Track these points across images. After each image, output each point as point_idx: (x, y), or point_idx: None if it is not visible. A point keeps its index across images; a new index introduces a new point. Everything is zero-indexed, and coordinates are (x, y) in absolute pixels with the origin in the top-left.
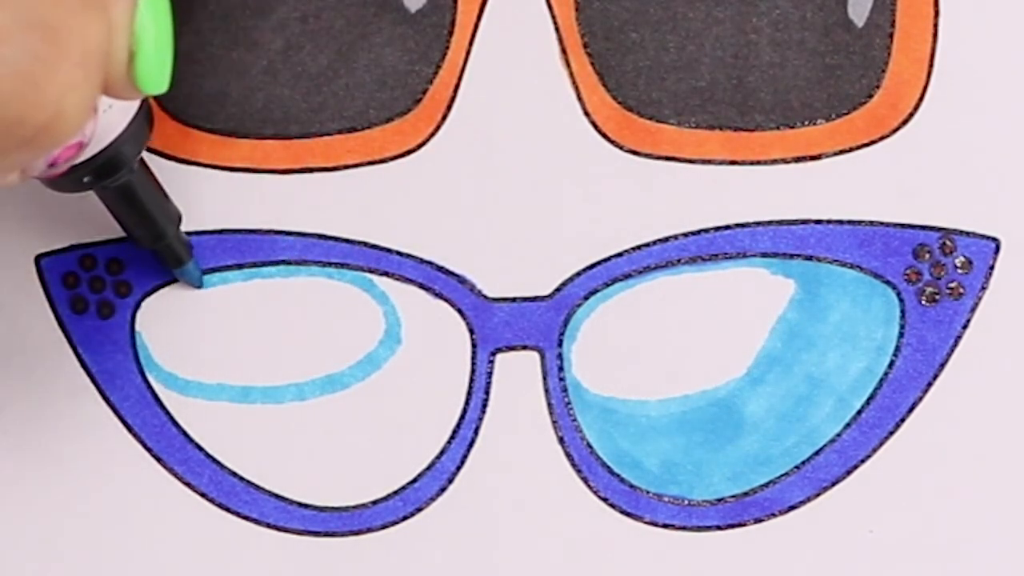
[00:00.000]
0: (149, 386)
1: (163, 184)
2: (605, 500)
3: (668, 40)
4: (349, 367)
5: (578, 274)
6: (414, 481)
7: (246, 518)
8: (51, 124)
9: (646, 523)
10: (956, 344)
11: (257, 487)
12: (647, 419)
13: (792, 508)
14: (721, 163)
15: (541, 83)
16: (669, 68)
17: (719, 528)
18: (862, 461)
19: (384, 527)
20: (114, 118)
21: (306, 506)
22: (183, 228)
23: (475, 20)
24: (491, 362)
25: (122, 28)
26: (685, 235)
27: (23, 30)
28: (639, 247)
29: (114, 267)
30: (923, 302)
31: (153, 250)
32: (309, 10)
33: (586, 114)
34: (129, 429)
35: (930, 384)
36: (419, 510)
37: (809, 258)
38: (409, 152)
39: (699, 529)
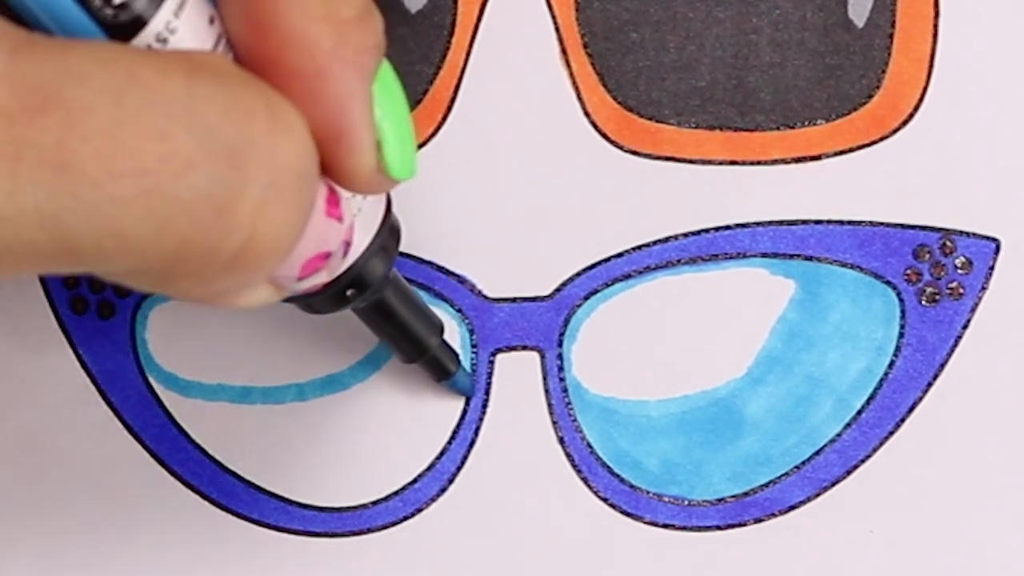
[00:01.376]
0: (149, 386)
1: None
2: (605, 500)
3: (668, 40)
4: (349, 367)
5: (578, 274)
6: (414, 481)
7: (246, 518)
8: (247, 248)
9: (646, 523)
10: (956, 344)
11: (257, 487)
12: (647, 419)
13: (792, 508)
14: (721, 163)
15: (541, 83)
16: (669, 68)
17: (719, 528)
18: (862, 461)
19: (384, 527)
20: (360, 237)
21: (306, 506)
22: None
23: (475, 20)
24: (491, 362)
25: (362, 127)
26: (685, 235)
27: (208, 157)
28: (639, 247)
29: None
30: (923, 302)
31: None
32: None
33: (586, 114)
34: (129, 429)
35: (930, 384)
36: (419, 510)
37: (809, 258)
38: None
39: (699, 529)
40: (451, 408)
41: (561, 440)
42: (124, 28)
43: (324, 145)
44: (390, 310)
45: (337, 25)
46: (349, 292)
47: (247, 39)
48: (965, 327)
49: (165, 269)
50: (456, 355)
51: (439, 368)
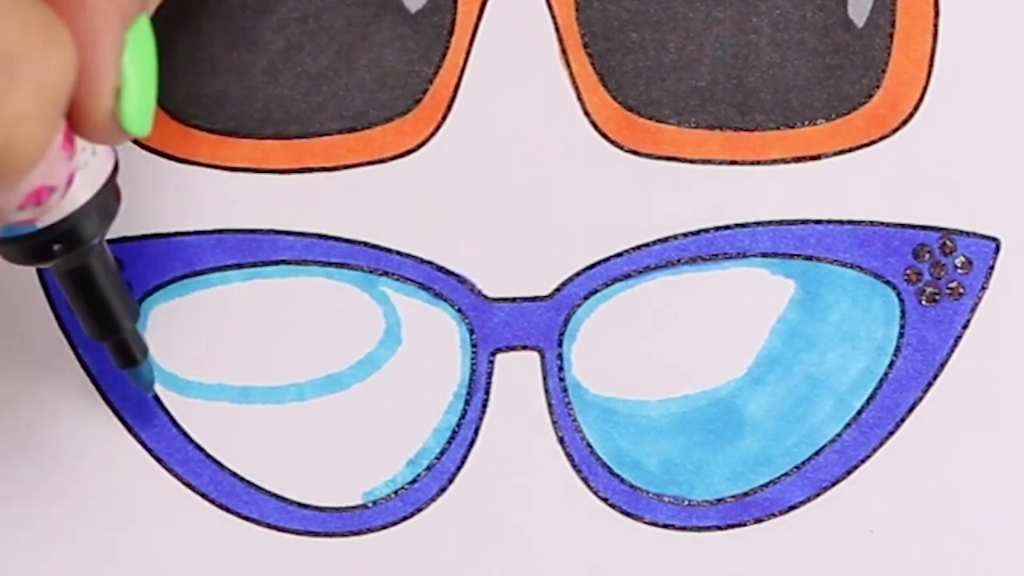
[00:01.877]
0: None
1: (161, 184)
2: (605, 500)
3: (668, 40)
4: (349, 367)
5: (578, 274)
6: (414, 481)
7: (246, 518)
8: (2, 155)
9: (646, 523)
10: (956, 344)
11: (257, 487)
12: (647, 419)
13: (792, 508)
14: (721, 163)
15: (541, 83)
16: (669, 68)
17: (719, 528)
18: (862, 461)
19: (384, 527)
20: (81, 188)
21: (306, 506)
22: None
23: (475, 20)
24: (491, 362)
25: (108, 67)
26: (685, 235)
27: None
28: (639, 247)
29: None
30: (923, 302)
31: (105, 345)
32: (309, 10)
33: (586, 114)
34: (129, 429)
35: (930, 384)
36: (419, 510)
37: (809, 258)
38: (409, 152)
39: (699, 529)
40: (451, 408)
41: (561, 440)
42: None
43: None
44: (92, 279)
45: None
46: (56, 247)
47: None
48: (965, 327)
49: None
50: (145, 347)
51: (126, 354)
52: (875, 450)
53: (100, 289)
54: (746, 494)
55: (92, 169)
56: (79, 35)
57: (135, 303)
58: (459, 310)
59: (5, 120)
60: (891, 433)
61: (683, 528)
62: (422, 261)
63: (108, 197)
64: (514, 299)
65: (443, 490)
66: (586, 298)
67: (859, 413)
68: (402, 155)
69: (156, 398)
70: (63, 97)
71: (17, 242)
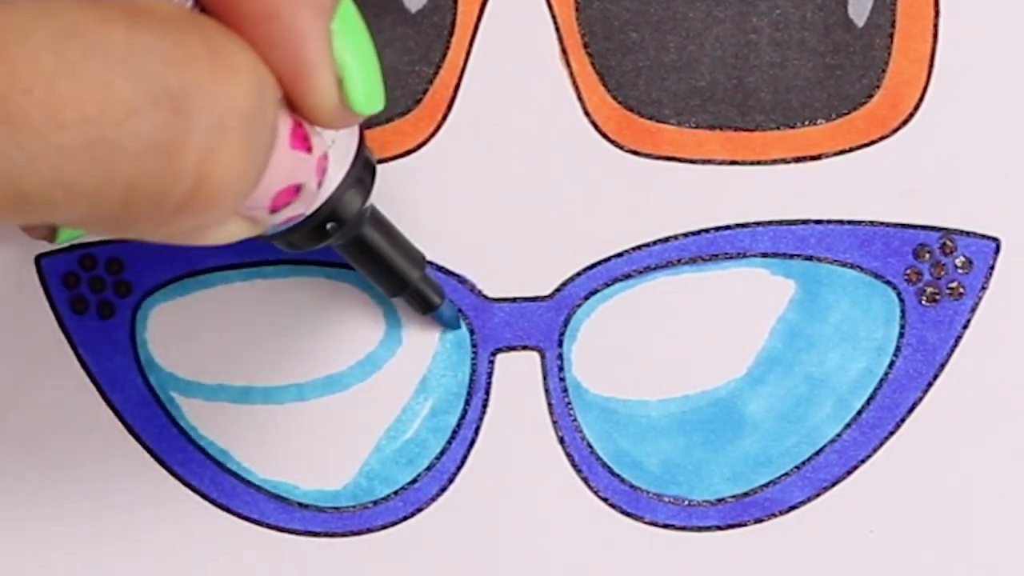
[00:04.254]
0: (149, 386)
1: None
2: (605, 500)
3: (668, 40)
4: (349, 367)
5: (578, 274)
6: (414, 481)
7: (246, 518)
8: (197, 191)
9: (646, 523)
10: (956, 344)
11: (257, 487)
12: (647, 419)
13: (792, 508)
14: (721, 163)
15: (541, 83)
16: (669, 68)
17: (719, 528)
18: (862, 461)
19: (384, 527)
20: (335, 166)
21: (306, 506)
22: None
23: (475, 20)
24: (491, 362)
25: (320, 66)
26: (685, 235)
27: (150, 103)
28: (639, 247)
29: (114, 267)
30: (923, 302)
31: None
32: None
33: (586, 114)
34: (129, 429)
35: (930, 384)
36: (419, 510)
37: (809, 258)
38: (409, 152)
39: (699, 529)
40: (451, 408)
41: (561, 440)
42: None
43: (285, 84)
44: (370, 245)
45: None
46: (329, 226)
47: None
48: (965, 327)
49: (117, 215)
50: (440, 288)
51: (423, 301)
52: (875, 450)
53: (381, 252)
54: (746, 494)
55: (341, 144)
56: (284, 46)
57: (418, 251)
58: (459, 310)
59: (190, 158)
60: (891, 433)
61: (683, 528)
62: None
63: (364, 163)
64: (514, 299)
65: (443, 490)
66: (586, 298)
67: (859, 413)
68: (402, 155)
69: (156, 398)
70: (252, 120)
71: (292, 232)
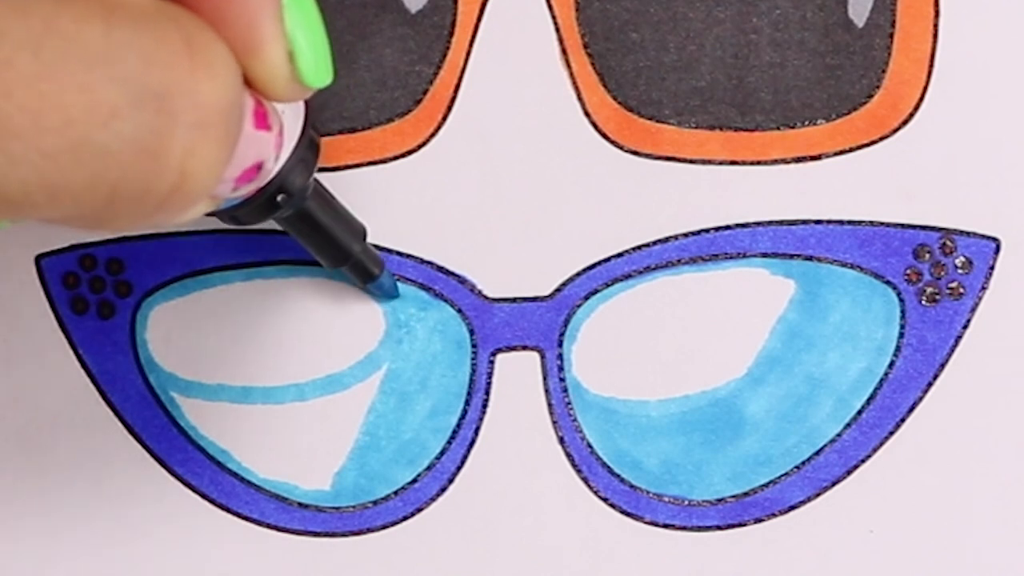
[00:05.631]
0: (149, 386)
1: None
2: (605, 500)
3: (668, 40)
4: (349, 367)
5: (578, 274)
6: (414, 481)
7: (246, 518)
8: (179, 187)
9: (646, 523)
10: (956, 344)
11: (257, 487)
12: (647, 419)
13: (792, 508)
14: (721, 163)
15: (541, 83)
16: (669, 68)
17: (719, 528)
18: (862, 461)
19: (384, 527)
20: (286, 141)
21: (306, 506)
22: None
23: (475, 20)
24: (491, 362)
25: (274, 40)
26: (685, 235)
27: (133, 104)
28: (639, 247)
29: (114, 267)
30: (923, 302)
31: (343, 270)
32: None
33: (586, 114)
34: (129, 429)
35: (930, 384)
36: (419, 510)
37: (809, 258)
38: (409, 152)
39: (699, 529)
40: (451, 408)
41: (561, 440)
42: None
43: (241, 59)
44: (314, 218)
45: None
46: (280, 198)
47: None
48: (965, 327)
49: (99, 212)
50: (380, 260)
51: (364, 272)
52: (875, 450)
53: (323, 224)
54: (746, 494)
55: (288, 121)
56: (237, 21)
57: (359, 223)
58: (459, 310)
59: (174, 157)
60: (891, 433)
61: (683, 528)
62: (422, 261)
63: (309, 140)
64: (514, 299)
65: (443, 490)
66: (586, 298)
67: (859, 413)
68: (402, 155)
69: (156, 398)
70: (228, 114)
71: (243, 207)
